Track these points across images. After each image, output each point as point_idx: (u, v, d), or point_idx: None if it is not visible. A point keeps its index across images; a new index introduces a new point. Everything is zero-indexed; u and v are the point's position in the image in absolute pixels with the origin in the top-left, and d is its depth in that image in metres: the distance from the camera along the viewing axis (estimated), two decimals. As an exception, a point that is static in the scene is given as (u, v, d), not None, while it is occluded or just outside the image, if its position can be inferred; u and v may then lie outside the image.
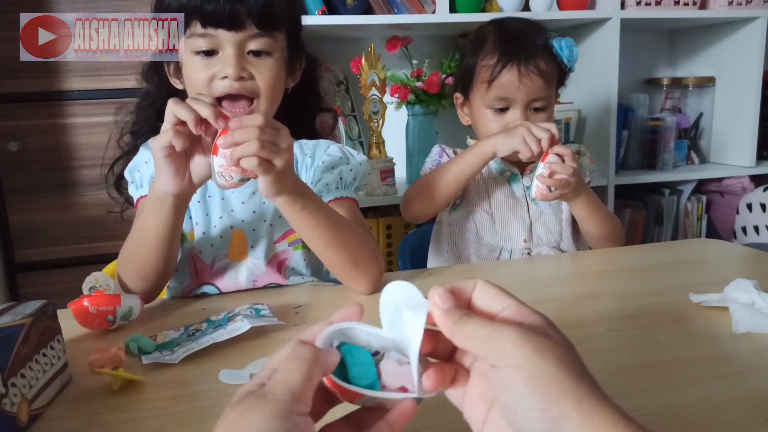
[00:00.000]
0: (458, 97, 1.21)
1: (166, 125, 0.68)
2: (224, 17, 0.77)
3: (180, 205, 0.75)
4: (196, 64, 0.81)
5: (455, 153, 1.20)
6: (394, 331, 0.37)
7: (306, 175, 0.92)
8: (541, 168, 1.02)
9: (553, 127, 1.02)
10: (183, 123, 0.68)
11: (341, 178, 0.90)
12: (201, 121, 0.68)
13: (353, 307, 0.39)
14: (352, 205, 0.91)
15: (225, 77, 0.80)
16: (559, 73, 1.13)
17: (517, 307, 0.36)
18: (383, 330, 0.38)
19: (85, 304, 0.67)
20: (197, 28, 0.79)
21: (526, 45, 1.08)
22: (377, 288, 0.82)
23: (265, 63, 0.82)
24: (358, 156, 0.95)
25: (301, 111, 0.90)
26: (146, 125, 0.92)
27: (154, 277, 0.79)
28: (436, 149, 1.23)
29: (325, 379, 0.37)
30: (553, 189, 1.02)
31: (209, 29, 0.78)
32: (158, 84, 0.90)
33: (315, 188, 0.89)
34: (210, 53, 0.80)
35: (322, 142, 0.96)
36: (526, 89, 1.07)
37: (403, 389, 0.37)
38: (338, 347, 0.38)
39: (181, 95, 0.89)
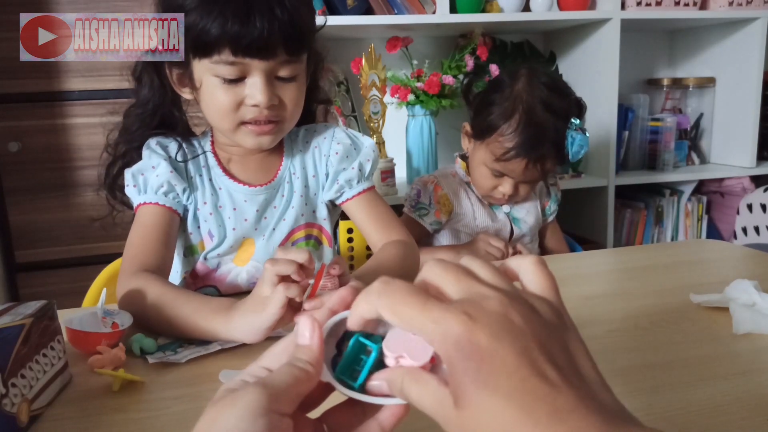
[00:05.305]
0: (467, 129, 1.24)
1: (269, 286, 0.62)
2: (259, 46, 0.75)
3: None
4: (219, 88, 0.79)
5: (436, 188, 1.24)
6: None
7: (318, 166, 0.93)
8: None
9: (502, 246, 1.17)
10: (284, 278, 0.62)
11: (360, 171, 0.91)
12: (300, 267, 0.62)
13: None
14: (373, 194, 0.93)
15: (255, 105, 0.79)
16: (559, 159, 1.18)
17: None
18: None
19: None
20: (227, 55, 0.76)
21: (543, 145, 1.12)
22: None
23: (291, 87, 0.82)
24: (363, 138, 0.94)
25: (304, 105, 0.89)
26: (143, 129, 0.88)
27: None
28: (415, 188, 1.27)
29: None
30: None
31: (240, 57, 0.76)
32: (159, 87, 0.86)
33: (336, 184, 0.90)
34: (235, 80, 0.78)
35: (322, 128, 0.95)
36: (524, 174, 1.17)
37: None
38: (344, 334, 0.37)
39: (182, 102, 0.88)
